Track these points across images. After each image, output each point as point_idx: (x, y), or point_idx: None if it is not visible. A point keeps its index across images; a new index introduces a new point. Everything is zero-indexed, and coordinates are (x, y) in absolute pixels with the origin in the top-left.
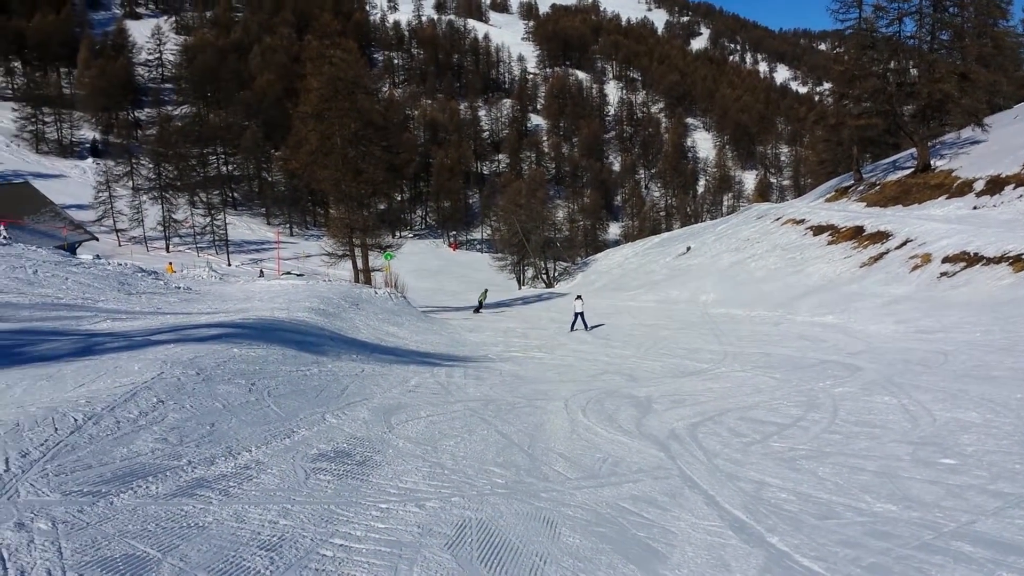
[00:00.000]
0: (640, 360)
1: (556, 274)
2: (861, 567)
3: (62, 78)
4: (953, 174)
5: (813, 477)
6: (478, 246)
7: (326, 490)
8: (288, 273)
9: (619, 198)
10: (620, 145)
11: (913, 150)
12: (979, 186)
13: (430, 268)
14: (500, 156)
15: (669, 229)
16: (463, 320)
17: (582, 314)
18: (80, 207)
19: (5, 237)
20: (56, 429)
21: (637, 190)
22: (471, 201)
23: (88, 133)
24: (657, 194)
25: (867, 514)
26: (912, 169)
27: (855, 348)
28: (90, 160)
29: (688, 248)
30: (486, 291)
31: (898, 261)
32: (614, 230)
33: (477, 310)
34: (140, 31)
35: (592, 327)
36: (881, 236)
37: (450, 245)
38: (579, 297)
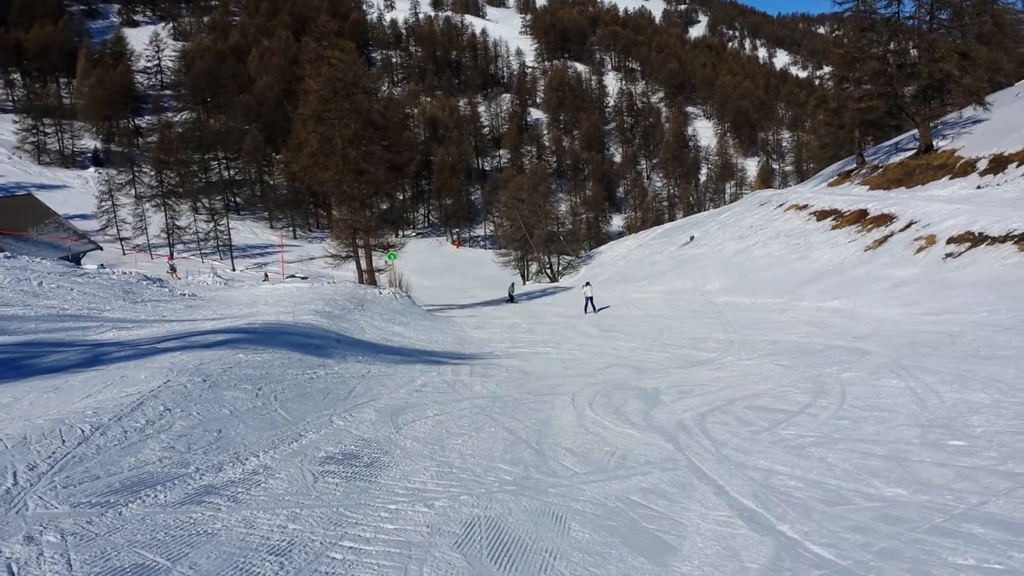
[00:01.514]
0: (646, 352)
1: (560, 268)
2: (872, 552)
3: (62, 88)
4: (956, 154)
5: (822, 464)
6: (481, 243)
7: (335, 493)
8: (292, 276)
9: (621, 190)
10: (621, 136)
11: (915, 131)
12: (982, 165)
13: (434, 266)
14: (501, 151)
15: (672, 219)
16: (468, 317)
17: (591, 299)
18: (83, 217)
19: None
20: (63, 441)
21: (639, 181)
22: (473, 198)
23: (89, 143)
24: (659, 184)
25: (877, 499)
26: (914, 150)
27: (862, 332)
28: (92, 169)
29: (692, 238)
30: (513, 284)
31: (903, 244)
32: (617, 222)
33: (510, 300)
34: (138, 39)
35: (600, 308)
36: (885, 219)
37: (453, 243)
38: (588, 284)
